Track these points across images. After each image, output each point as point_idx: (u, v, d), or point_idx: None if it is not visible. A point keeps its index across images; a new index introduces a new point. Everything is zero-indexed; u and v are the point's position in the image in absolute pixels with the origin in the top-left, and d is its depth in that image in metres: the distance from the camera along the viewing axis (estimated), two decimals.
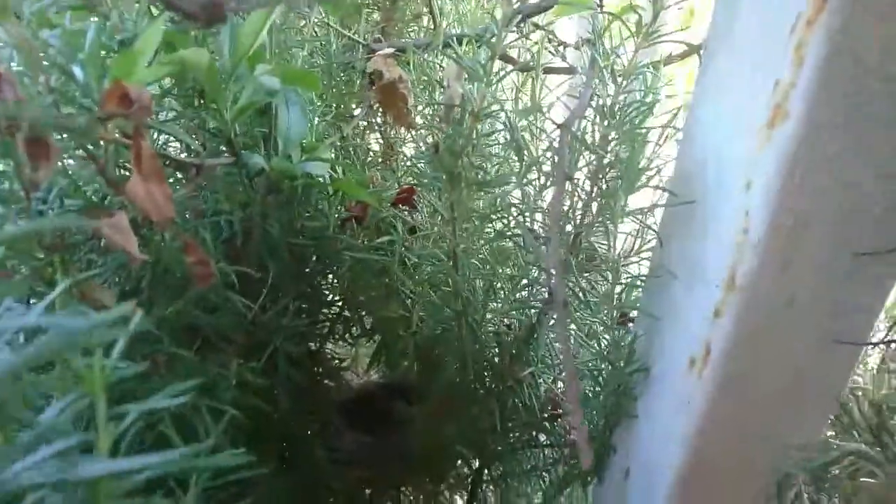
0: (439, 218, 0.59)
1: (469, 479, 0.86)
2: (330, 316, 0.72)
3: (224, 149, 0.49)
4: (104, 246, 0.43)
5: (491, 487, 0.87)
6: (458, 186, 0.52)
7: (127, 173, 0.45)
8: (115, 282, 0.46)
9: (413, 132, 0.67)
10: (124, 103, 0.35)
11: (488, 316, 0.61)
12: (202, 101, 0.55)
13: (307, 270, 0.67)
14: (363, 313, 0.70)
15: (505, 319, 0.63)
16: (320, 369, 0.77)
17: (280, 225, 0.61)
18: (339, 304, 0.71)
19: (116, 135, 0.39)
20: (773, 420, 0.45)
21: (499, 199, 0.57)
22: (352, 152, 0.67)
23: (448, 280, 0.58)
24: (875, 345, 0.39)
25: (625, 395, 0.58)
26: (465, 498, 0.88)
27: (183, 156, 0.50)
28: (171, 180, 0.51)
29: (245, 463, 0.41)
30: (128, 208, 0.41)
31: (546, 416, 0.74)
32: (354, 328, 0.73)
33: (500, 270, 0.59)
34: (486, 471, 0.84)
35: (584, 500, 0.80)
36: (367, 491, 0.85)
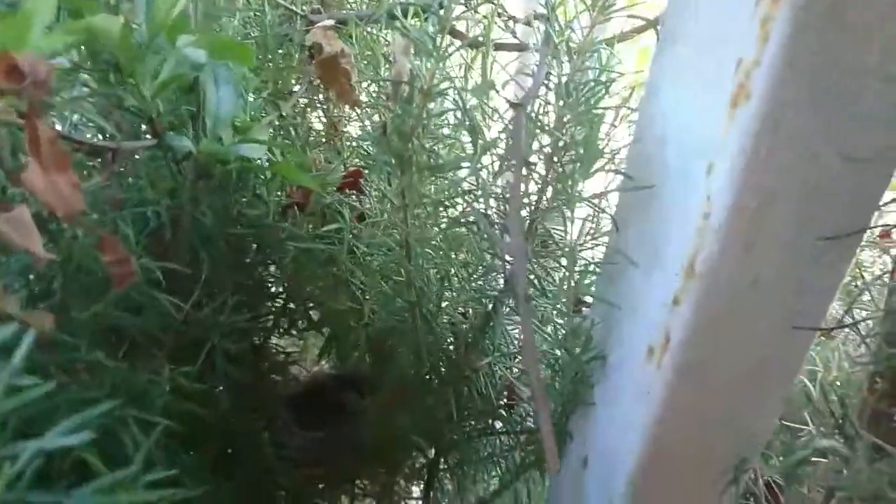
0: (389, 204, 0.55)
1: (425, 469, 0.85)
2: (273, 309, 0.68)
3: (145, 129, 0.44)
4: (3, 245, 0.37)
5: (447, 476, 0.85)
6: (408, 171, 0.48)
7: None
8: (23, 284, 0.40)
9: (358, 110, 0.63)
10: (14, 77, 0.30)
11: (443, 305, 0.59)
12: (120, 76, 0.49)
13: (247, 261, 0.62)
14: (310, 305, 0.66)
15: (460, 308, 0.60)
16: (265, 364, 0.72)
17: (214, 213, 0.56)
18: (283, 296, 0.66)
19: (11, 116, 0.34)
20: (734, 405, 0.45)
21: (452, 184, 0.54)
22: (291, 132, 0.63)
23: (400, 270, 0.55)
24: (841, 327, 0.39)
25: (582, 382, 0.57)
26: (422, 487, 0.86)
27: (99, 138, 0.45)
28: (86, 167, 0.45)
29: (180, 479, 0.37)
30: (30, 201, 0.36)
31: (502, 403, 0.72)
32: (300, 321, 0.69)
33: (455, 258, 0.57)
34: (442, 460, 0.83)
35: (541, 485, 0.80)
36: (320, 486, 0.82)
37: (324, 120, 0.67)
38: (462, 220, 0.54)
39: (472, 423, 0.74)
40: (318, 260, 0.62)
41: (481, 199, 0.51)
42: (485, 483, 0.84)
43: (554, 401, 0.62)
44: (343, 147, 0.66)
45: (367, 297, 0.62)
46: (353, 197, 0.63)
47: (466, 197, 0.54)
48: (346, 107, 0.61)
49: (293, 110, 0.60)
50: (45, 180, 0.32)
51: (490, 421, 0.75)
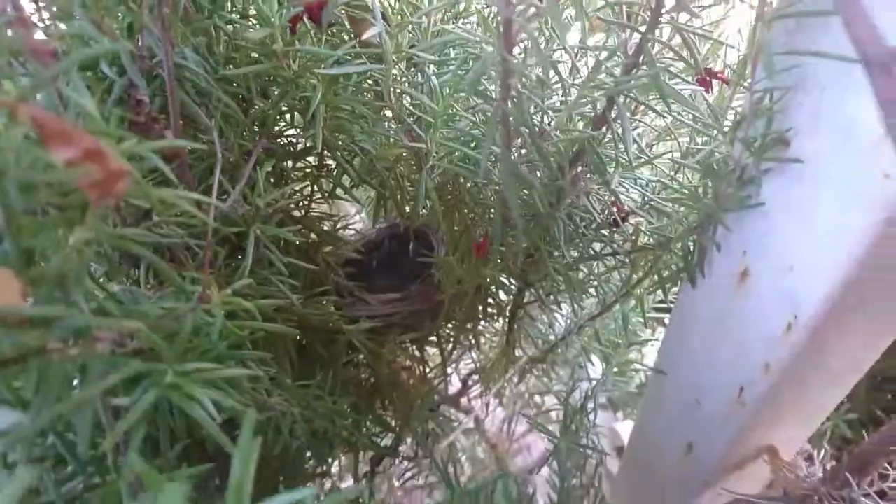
0: None
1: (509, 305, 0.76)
2: (307, 171, 0.52)
3: None
4: None
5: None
6: None
7: None
8: None
9: None
10: None
11: (546, 121, 0.42)
12: None
13: (259, 111, 0.45)
14: (351, 156, 0.50)
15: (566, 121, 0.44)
16: (312, 237, 0.58)
17: (197, 53, 0.38)
18: (316, 150, 0.49)
19: None
20: None
21: None
22: None
23: (482, 79, 0.38)
24: None
25: (748, 181, 0.42)
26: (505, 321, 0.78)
27: None
28: None
29: None
30: None
31: (609, 221, 0.59)
32: (345, 178, 0.53)
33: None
34: (528, 293, 0.73)
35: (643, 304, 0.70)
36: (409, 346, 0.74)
37: None
38: None
39: (570, 251, 0.61)
40: (356, 92, 0.44)
41: None
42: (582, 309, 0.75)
43: (696, 208, 0.48)
44: None
45: (432, 130, 0.45)
46: None
47: None
48: None
49: None
50: None
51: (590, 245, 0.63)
